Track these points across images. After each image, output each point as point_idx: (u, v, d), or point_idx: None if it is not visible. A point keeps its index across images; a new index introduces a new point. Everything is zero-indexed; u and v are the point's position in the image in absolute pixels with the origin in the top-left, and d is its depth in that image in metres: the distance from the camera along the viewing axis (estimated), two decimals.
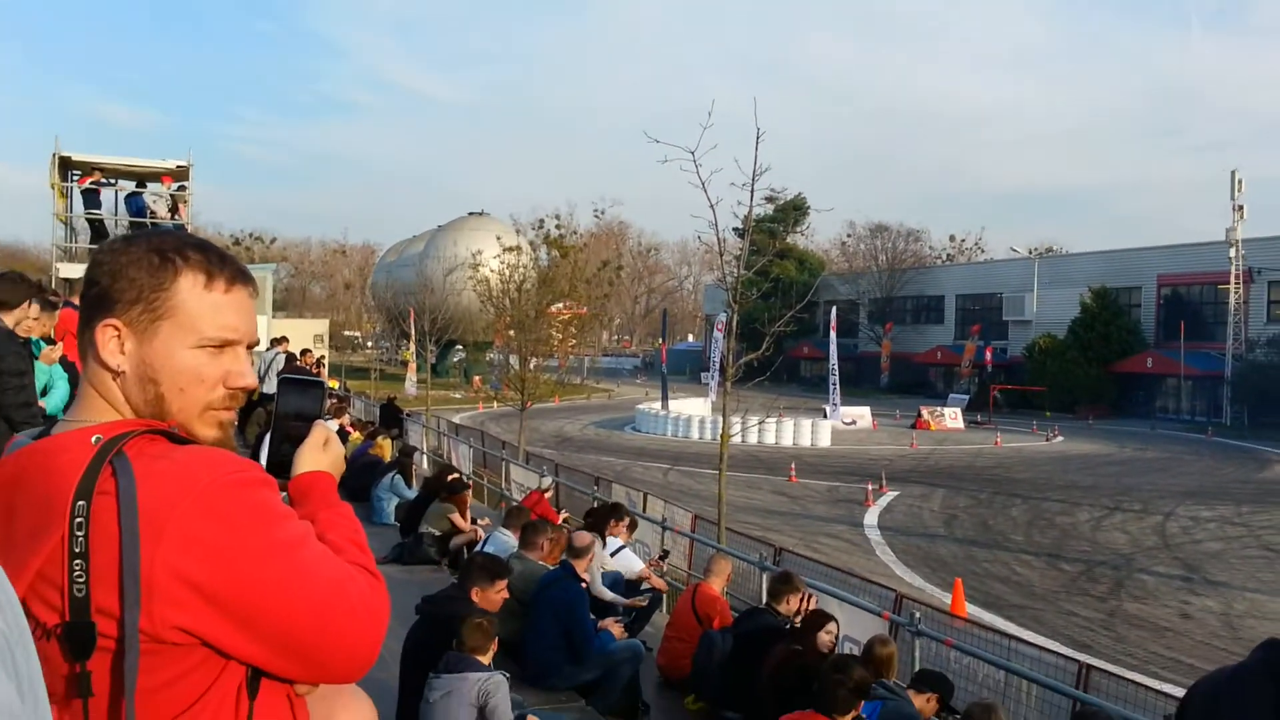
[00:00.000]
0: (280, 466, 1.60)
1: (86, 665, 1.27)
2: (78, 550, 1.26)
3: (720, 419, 13.94)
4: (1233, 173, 47.17)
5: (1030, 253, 67.97)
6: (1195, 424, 46.31)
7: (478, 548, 8.29)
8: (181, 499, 1.28)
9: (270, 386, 14.74)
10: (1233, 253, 46.80)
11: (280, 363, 18.25)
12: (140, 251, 1.43)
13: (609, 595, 8.22)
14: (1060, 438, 40.12)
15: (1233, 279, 46.94)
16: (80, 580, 1.26)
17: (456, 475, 12.52)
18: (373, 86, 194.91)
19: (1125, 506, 23.65)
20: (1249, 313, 47.24)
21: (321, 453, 1.60)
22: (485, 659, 5.22)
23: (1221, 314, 48.28)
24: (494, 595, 5.73)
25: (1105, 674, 7.40)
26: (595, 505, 11.69)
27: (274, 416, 1.69)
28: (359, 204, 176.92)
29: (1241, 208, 46.77)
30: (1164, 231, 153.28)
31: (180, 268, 1.43)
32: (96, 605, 1.26)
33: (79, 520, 1.27)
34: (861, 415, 44.26)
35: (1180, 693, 8.58)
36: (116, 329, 1.42)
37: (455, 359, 62.72)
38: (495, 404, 39.74)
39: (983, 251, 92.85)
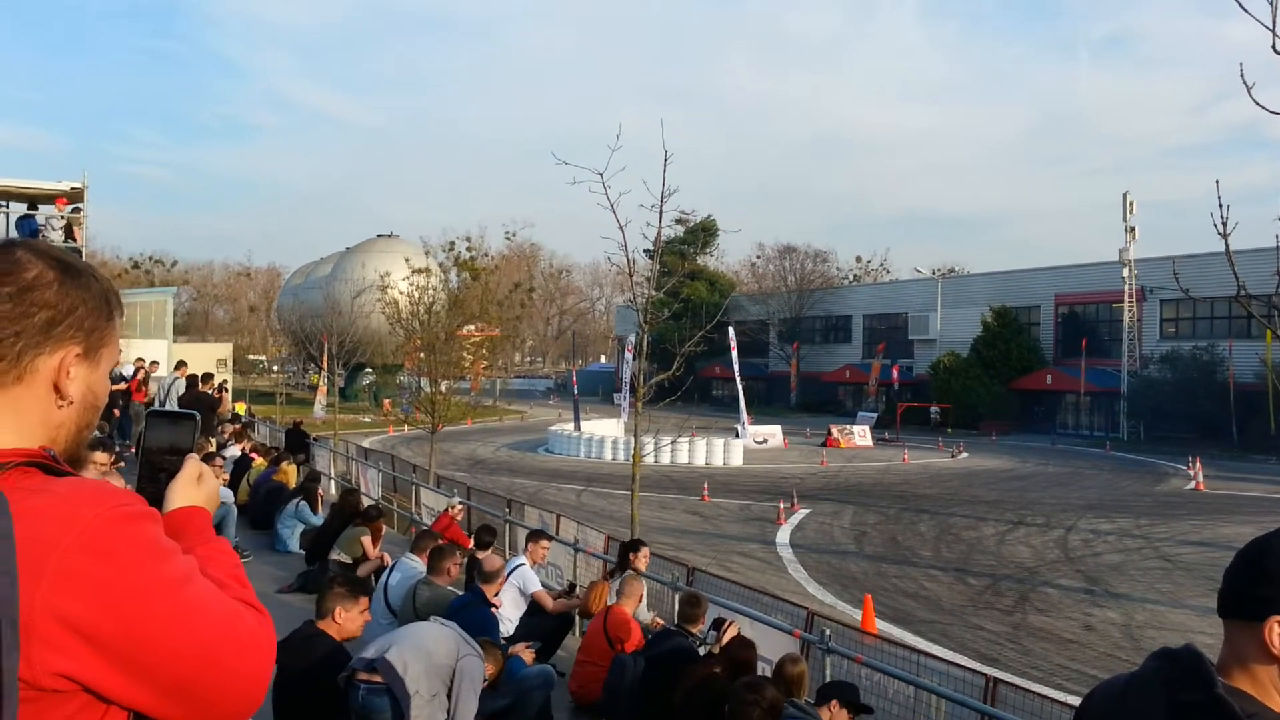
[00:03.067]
0: (151, 502, 1.51)
1: None
2: None
3: (632, 439, 13.90)
4: (1124, 195, 49.14)
5: (934, 273, 69.78)
6: (1094, 439, 47.95)
7: (384, 575, 8.07)
8: (64, 536, 1.17)
9: None
10: (1126, 272, 48.67)
11: (180, 388, 17.68)
12: (82, 277, 1.39)
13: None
14: (965, 454, 41.08)
15: (1126, 298, 48.81)
16: None
17: (370, 502, 12.24)
18: (278, 109, 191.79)
19: (1028, 520, 24.27)
20: (1143, 330, 49.18)
21: (195, 487, 1.55)
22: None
23: (1116, 331, 50.17)
24: (356, 615, 5.53)
25: (1012, 687, 7.50)
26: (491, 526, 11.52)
27: (143, 451, 1.65)
28: (264, 227, 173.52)
29: (1134, 229, 48.72)
30: (1061, 253, 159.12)
31: (114, 295, 1.43)
32: None
33: None
34: (773, 434, 44.72)
35: None
36: (76, 357, 1.37)
37: (365, 382, 61.65)
38: (406, 427, 39.07)
39: (888, 272, 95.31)
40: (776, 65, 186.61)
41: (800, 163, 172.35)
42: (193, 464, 1.58)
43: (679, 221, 71.74)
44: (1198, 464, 33.05)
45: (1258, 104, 4.76)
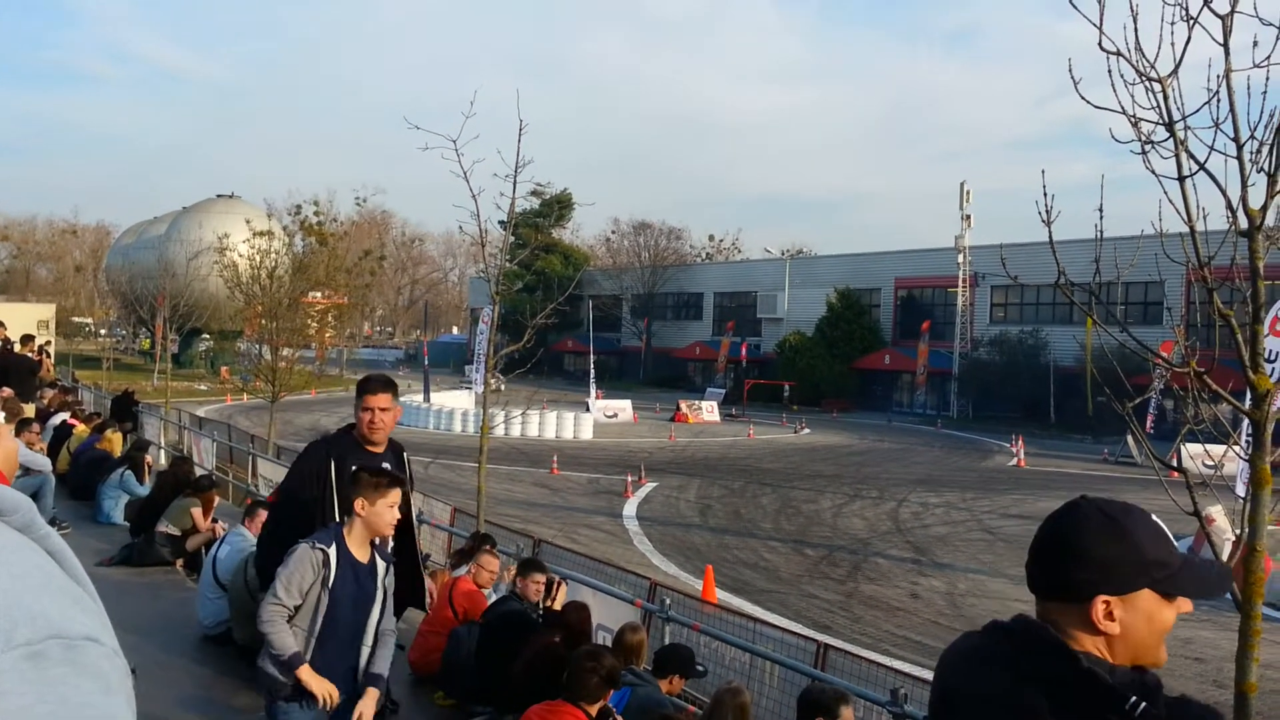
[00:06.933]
0: None
1: None
2: None
3: (482, 412, 13.74)
4: (961, 184, 51.53)
5: (783, 254, 71.44)
6: (927, 416, 50.21)
7: (214, 546, 7.73)
8: None
9: None
10: (960, 258, 51.04)
11: None
12: None
13: None
14: (807, 430, 42.40)
15: (960, 283, 51.20)
16: None
17: (203, 472, 11.72)
18: (115, 58, 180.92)
19: (864, 494, 25.26)
20: (974, 314, 51.71)
21: None
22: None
23: (950, 315, 52.59)
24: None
25: (841, 653, 7.79)
26: None
27: None
28: (93, 181, 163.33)
29: (969, 216, 51.12)
30: (907, 238, 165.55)
31: None
32: None
33: None
34: (623, 408, 45.09)
35: (909, 669, 9.18)
36: None
37: (200, 348, 58.96)
38: (245, 396, 37.57)
39: (739, 252, 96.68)
40: (639, 43, 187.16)
41: (659, 141, 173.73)
42: None
43: (534, 194, 71.29)
44: (1020, 442, 35.09)
45: (1084, 99, 4.97)
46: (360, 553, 4.26)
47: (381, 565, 4.37)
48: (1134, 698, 1.46)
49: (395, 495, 4.28)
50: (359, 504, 4.23)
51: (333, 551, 4.17)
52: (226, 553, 7.29)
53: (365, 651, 4.30)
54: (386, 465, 4.82)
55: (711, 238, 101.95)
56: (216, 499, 10.75)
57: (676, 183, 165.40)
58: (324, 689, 4.09)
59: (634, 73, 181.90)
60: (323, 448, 4.88)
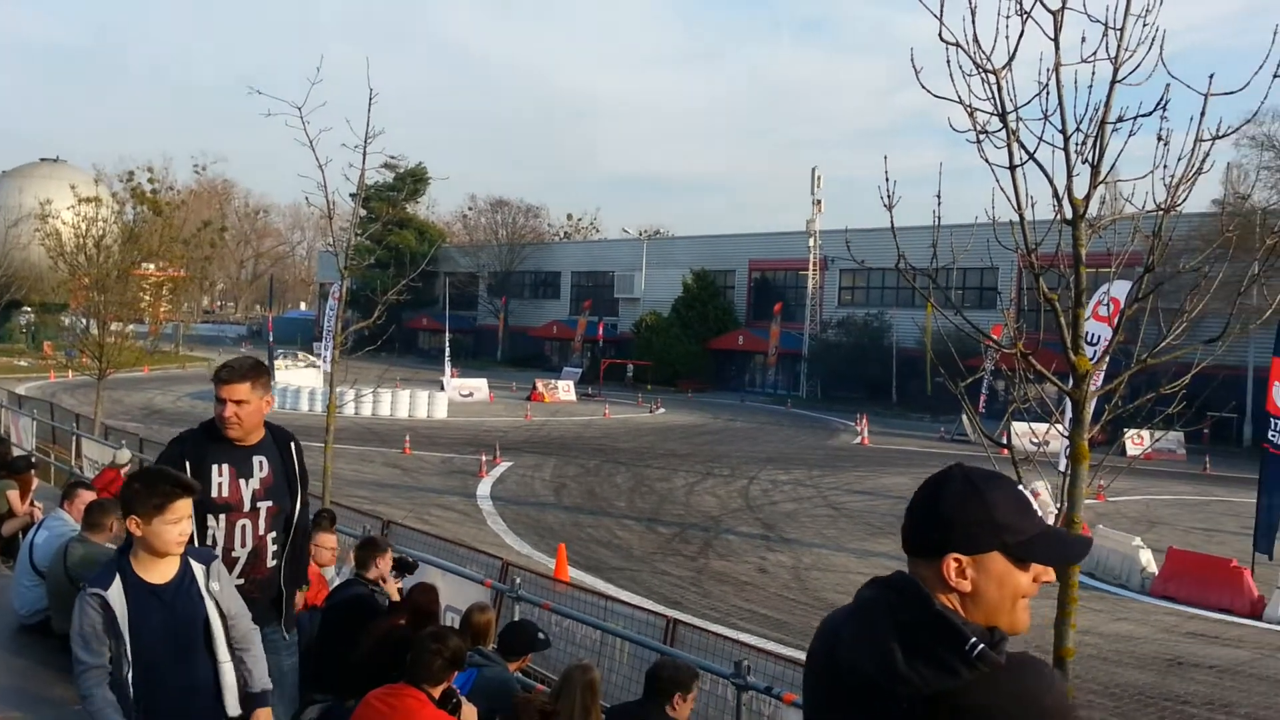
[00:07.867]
0: None
1: None
2: None
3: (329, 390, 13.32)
4: (813, 170, 52.98)
5: (640, 234, 71.79)
6: (778, 396, 51.52)
7: (31, 531, 7.23)
8: None
9: None
10: (811, 242, 52.45)
11: None
12: None
13: None
14: (662, 409, 42.88)
15: (811, 266, 52.63)
16: None
17: (21, 452, 10.96)
18: None
19: (716, 472, 25.73)
20: (824, 297, 53.25)
21: None
22: None
23: (802, 297, 54.02)
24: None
25: (690, 627, 7.91)
26: None
27: None
28: None
29: (819, 201, 52.61)
30: (757, 220, 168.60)
31: None
32: None
33: None
34: (478, 387, 44.61)
35: (754, 641, 9.38)
36: None
37: (21, 322, 55.33)
38: (70, 373, 35.45)
39: (597, 231, 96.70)
40: (501, 20, 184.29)
41: (519, 119, 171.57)
42: None
43: (386, 166, 69.31)
44: (864, 421, 36.41)
45: (924, 88, 5.12)
46: (158, 573, 3.55)
47: (199, 569, 3.64)
48: (974, 639, 1.57)
49: (179, 509, 3.52)
50: (131, 523, 3.49)
51: (113, 591, 3.45)
52: (45, 538, 6.82)
53: (227, 669, 3.65)
54: (262, 460, 4.45)
55: (570, 217, 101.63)
56: (36, 481, 10.07)
57: (536, 161, 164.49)
58: None
59: (496, 50, 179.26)
60: (178, 447, 4.26)
